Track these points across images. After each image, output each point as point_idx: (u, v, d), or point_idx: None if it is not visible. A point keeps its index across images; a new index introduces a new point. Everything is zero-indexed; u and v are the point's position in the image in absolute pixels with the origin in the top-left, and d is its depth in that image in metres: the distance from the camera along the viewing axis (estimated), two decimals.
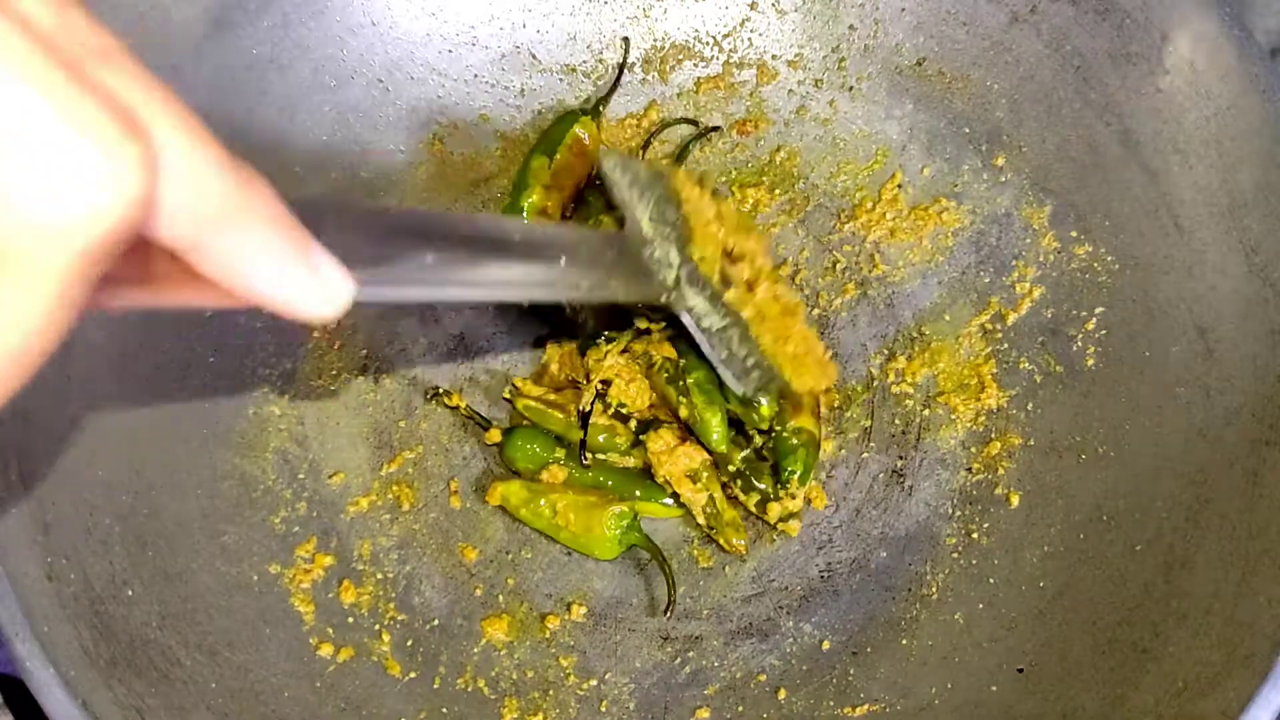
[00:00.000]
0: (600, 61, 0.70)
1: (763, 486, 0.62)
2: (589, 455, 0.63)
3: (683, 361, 0.62)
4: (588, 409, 0.62)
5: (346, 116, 0.65)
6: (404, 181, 0.68)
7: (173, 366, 0.59)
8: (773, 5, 0.69)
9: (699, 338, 0.56)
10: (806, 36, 0.70)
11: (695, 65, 0.70)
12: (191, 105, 0.59)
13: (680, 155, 0.69)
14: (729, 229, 0.60)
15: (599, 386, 0.62)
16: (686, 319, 0.55)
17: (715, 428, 0.61)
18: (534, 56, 0.69)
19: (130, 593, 0.52)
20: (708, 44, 0.70)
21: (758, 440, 0.63)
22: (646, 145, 0.69)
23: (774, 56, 0.70)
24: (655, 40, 0.70)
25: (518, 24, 0.68)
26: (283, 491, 0.62)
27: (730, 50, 0.70)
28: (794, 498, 0.62)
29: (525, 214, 0.65)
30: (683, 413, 0.62)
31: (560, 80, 0.70)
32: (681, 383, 0.61)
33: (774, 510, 0.62)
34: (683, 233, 0.56)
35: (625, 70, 0.69)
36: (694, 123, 0.70)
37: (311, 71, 0.64)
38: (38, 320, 0.24)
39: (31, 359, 0.25)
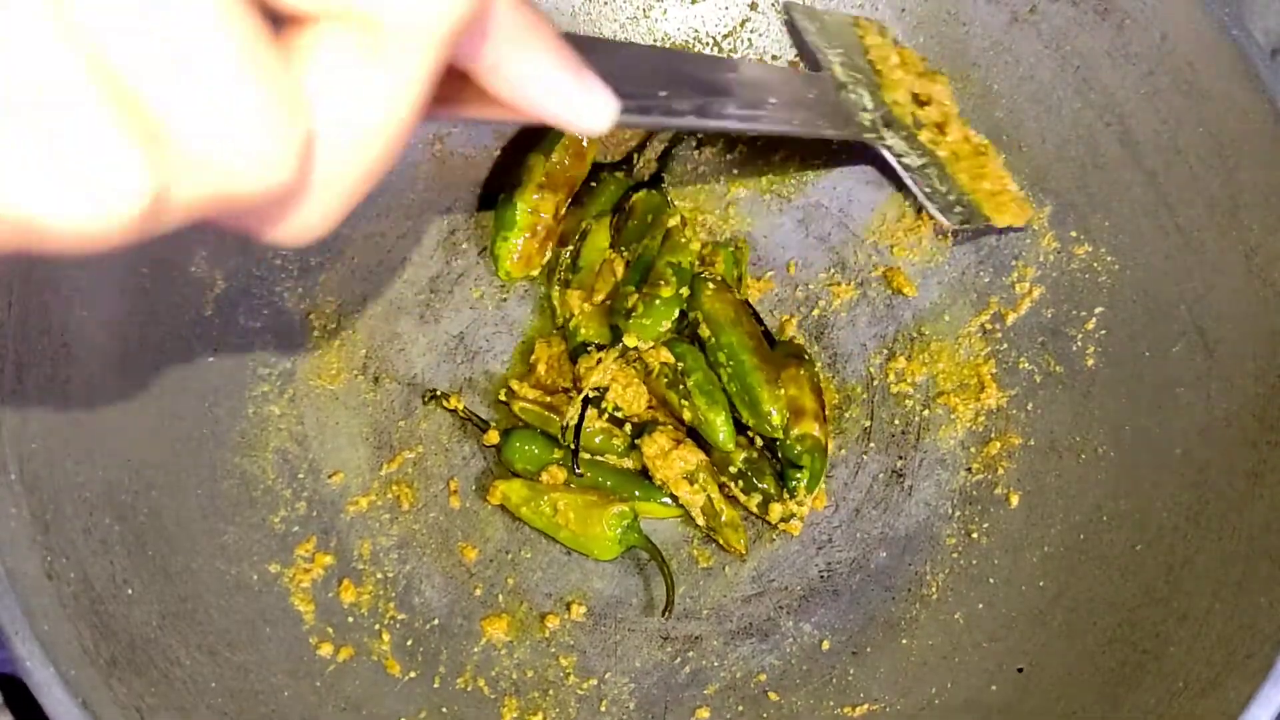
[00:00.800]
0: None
1: (764, 487, 0.62)
2: (582, 464, 0.63)
3: (680, 365, 0.62)
4: (575, 420, 0.62)
5: None
6: (404, 181, 0.68)
7: (173, 366, 0.59)
8: (773, 5, 0.69)
9: (904, 175, 0.56)
10: None
11: None
12: None
13: (663, 158, 0.69)
14: (914, 75, 0.61)
15: (591, 393, 0.62)
16: (890, 157, 0.56)
17: (721, 427, 0.61)
18: None
19: (130, 592, 0.52)
20: (708, 44, 0.70)
21: (759, 440, 0.63)
22: (643, 147, 0.69)
23: (774, 57, 0.70)
24: (655, 40, 0.70)
25: None
26: (283, 491, 0.62)
27: (731, 50, 0.70)
28: (801, 504, 0.62)
29: (519, 211, 0.65)
30: (686, 416, 0.62)
31: None
32: (682, 386, 0.61)
33: (776, 510, 0.62)
34: (873, 79, 0.57)
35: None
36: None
37: None
38: (412, 91, 0.27)
39: (403, 134, 0.28)
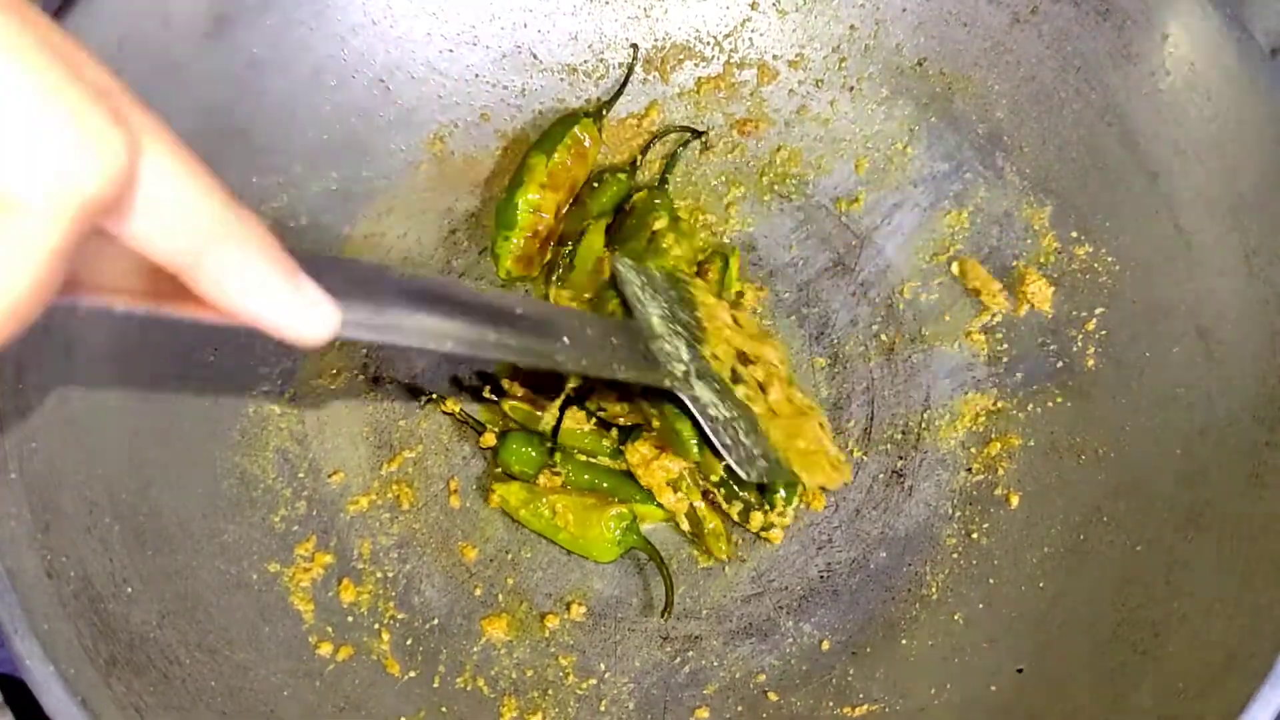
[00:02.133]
0: (601, 61, 0.70)
1: (745, 495, 0.62)
2: (577, 465, 0.63)
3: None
4: (554, 422, 0.62)
5: (347, 116, 0.65)
6: (404, 181, 0.68)
7: (173, 366, 0.59)
8: (773, 5, 0.69)
9: (704, 424, 0.57)
10: (807, 36, 0.70)
11: (696, 65, 0.70)
12: (192, 104, 0.59)
13: (669, 164, 0.69)
14: (744, 336, 0.62)
15: (569, 393, 0.62)
16: (691, 406, 0.57)
17: (687, 438, 0.61)
18: (535, 56, 0.69)
19: (130, 591, 0.52)
20: (709, 44, 0.70)
21: None
22: (646, 149, 0.69)
23: (775, 56, 0.70)
24: (656, 40, 0.70)
25: (519, 23, 0.68)
26: (282, 490, 0.62)
27: (731, 50, 0.70)
28: (783, 515, 0.62)
29: (519, 210, 0.65)
30: (655, 424, 0.62)
31: (561, 80, 0.70)
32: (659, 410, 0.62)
33: (756, 519, 0.62)
34: (696, 334, 0.59)
35: (630, 75, 0.69)
36: (697, 132, 0.70)
37: (311, 71, 0.64)
38: (35, 270, 0.27)
39: (26, 309, 0.28)
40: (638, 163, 0.69)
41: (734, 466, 0.57)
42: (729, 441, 0.57)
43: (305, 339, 0.33)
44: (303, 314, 0.33)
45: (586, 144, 0.67)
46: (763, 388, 0.61)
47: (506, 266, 0.66)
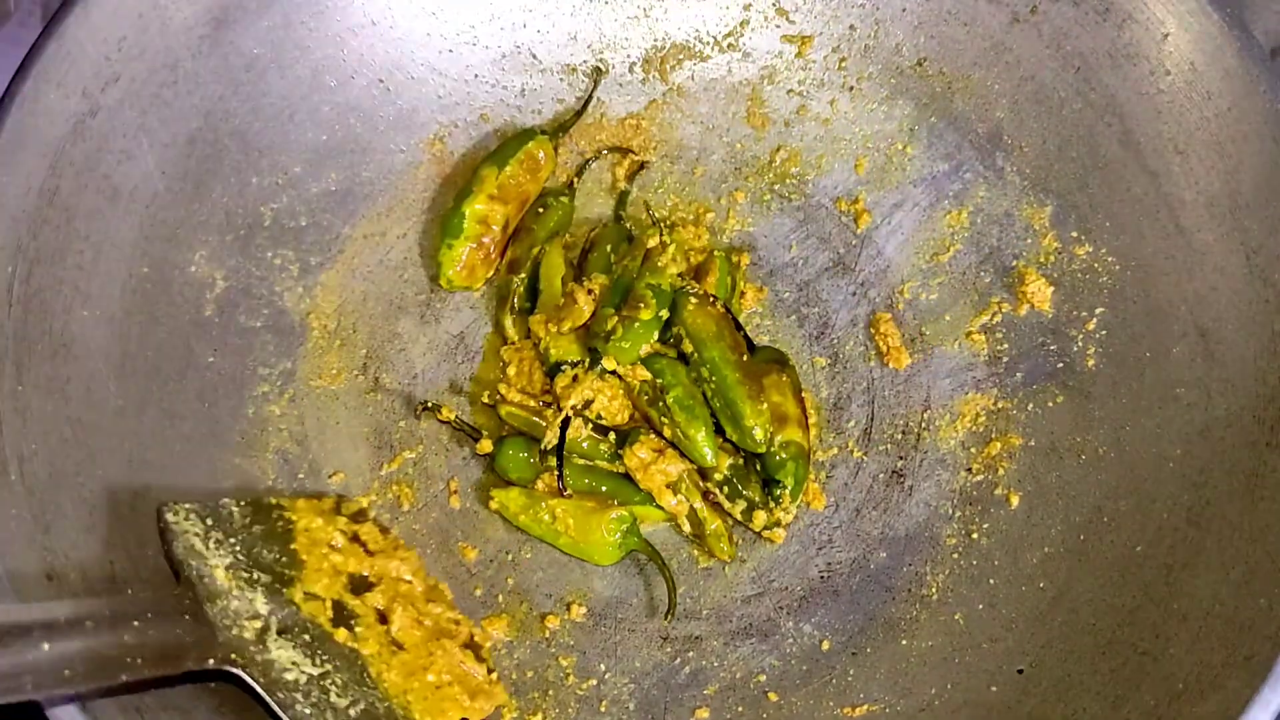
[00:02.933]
0: (601, 61, 0.70)
1: (748, 494, 0.62)
2: (574, 470, 0.63)
3: (659, 381, 0.62)
4: (556, 442, 0.62)
5: (346, 116, 0.65)
6: (404, 181, 0.68)
7: (173, 366, 0.59)
8: (773, 5, 0.69)
9: (269, 700, 0.48)
10: (807, 37, 0.70)
11: (695, 65, 0.70)
12: (192, 104, 0.59)
13: (620, 200, 0.69)
14: (359, 558, 0.56)
15: (570, 413, 0.62)
16: (250, 681, 0.48)
17: (702, 443, 0.60)
18: (534, 56, 0.69)
19: (130, 592, 0.52)
20: (708, 44, 0.70)
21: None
22: (581, 171, 0.69)
23: (775, 56, 0.70)
24: (655, 40, 0.70)
25: (518, 24, 0.68)
26: (283, 491, 0.62)
27: (730, 50, 0.70)
28: (786, 512, 0.62)
29: (466, 220, 0.64)
30: (666, 433, 0.61)
31: (561, 80, 0.70)
32: (661, 403, 0.61)
33: (759, 518, 0.62)
34: (284, 573, 0.52)
35: (592, 97, 0.69)
36: (627, 150, 0.69)
37: (311, 71, 0.64)
38: None
39: None
40: (574, 185, 0.69)
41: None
42: (309, 712, 0.48)
43: None
44: None
45: (540, 160, 0.66)
46: (384, 616, 0.55)
47: (448, 275, 0.65)
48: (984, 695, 0.57)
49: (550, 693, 0.60)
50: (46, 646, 0.41)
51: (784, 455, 0.62)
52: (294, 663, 0.50)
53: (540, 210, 0.67)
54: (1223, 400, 0.57)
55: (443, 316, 0.67)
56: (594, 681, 0.61)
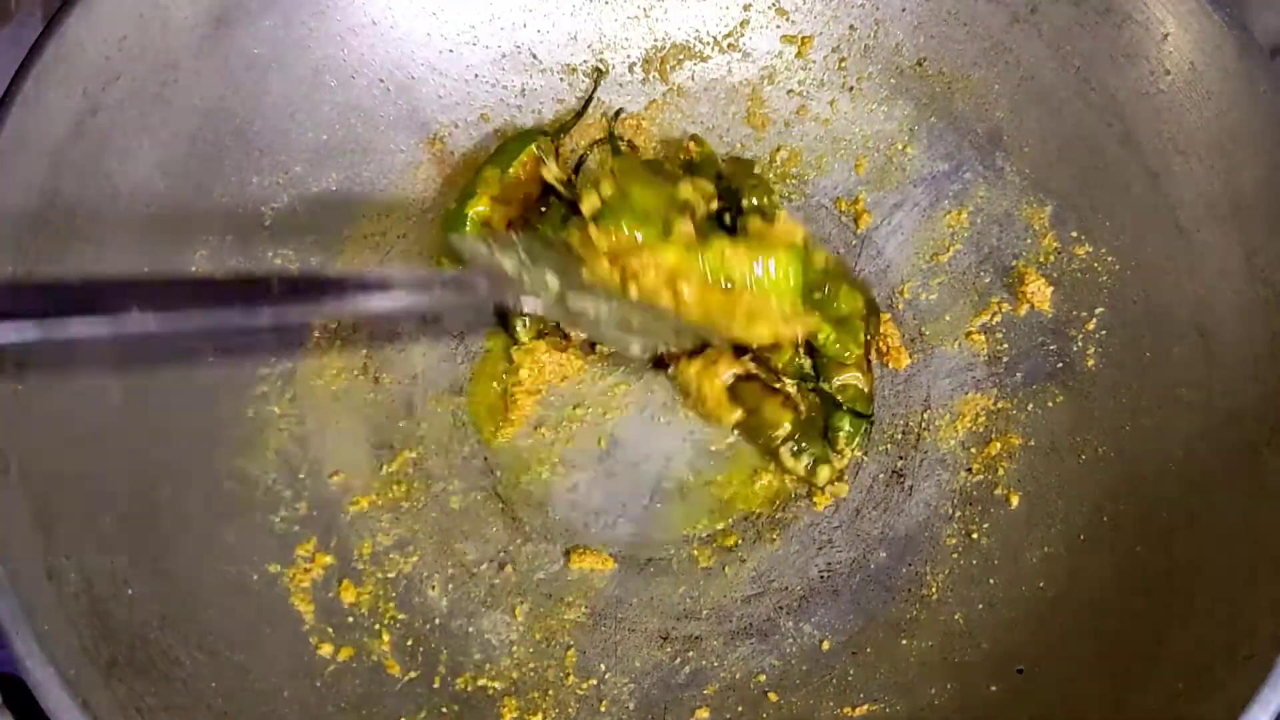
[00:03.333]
0: (601, 61, 0.70)
1: (811, 449, 0.63)
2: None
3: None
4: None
5: (347, 116, 0.65)
6: (404, 181, 0.68)
7: (173, 367, 0.59)
8: (772, 5, 0.69)
9: (581, 328, 0.57)
10: (807, 37, 0.70)
11: (695, 65, 0.70)
12: (192, 104, 0.59)
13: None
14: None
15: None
16: (560, 317, 0.57)
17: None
18: (534, 56, 0.69)
19: (130, 592, 0.52)
20: (708, 44, 0.70)
21: (806, 403, 0.64)
22: (579, 168, 0.69)
23: (775, 56, 0.70)
24: (655, 40, 0.70)
25: (518, 23, 0.68)
26: (283, 491, 0.62)
27: (730, 50, 0.70)
28: (842, 455, 0.64)
29: (469, 223, 0.64)
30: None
31: (561, 80, 0.70)
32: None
33: (823, 473, 0.63)
34: (568, 266, 0.57)
35: (592, 98, 0.69)
36: (612, 140, 0.70)
37: (312, 71, 0.64)
38: None
39: None
40: (573, 182, 0.69)
41: (632, 348, 0.58)
42: (620, 333, 0.57)
43: None
44: None
45: (541, 160, 0.67)
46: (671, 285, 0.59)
47: None
48: (984, 695, 0.57)
49: (550, 692, 0.60)
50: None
51: (841, 397, 0.64)
52: (594, 306, 0.57)
53: (542, 209, 0.67)
54: (1223, 400, 0.57)
55: (443, 316, 0.67)
56: (594, 681, 0.61)
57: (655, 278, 0.58)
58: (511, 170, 0.66)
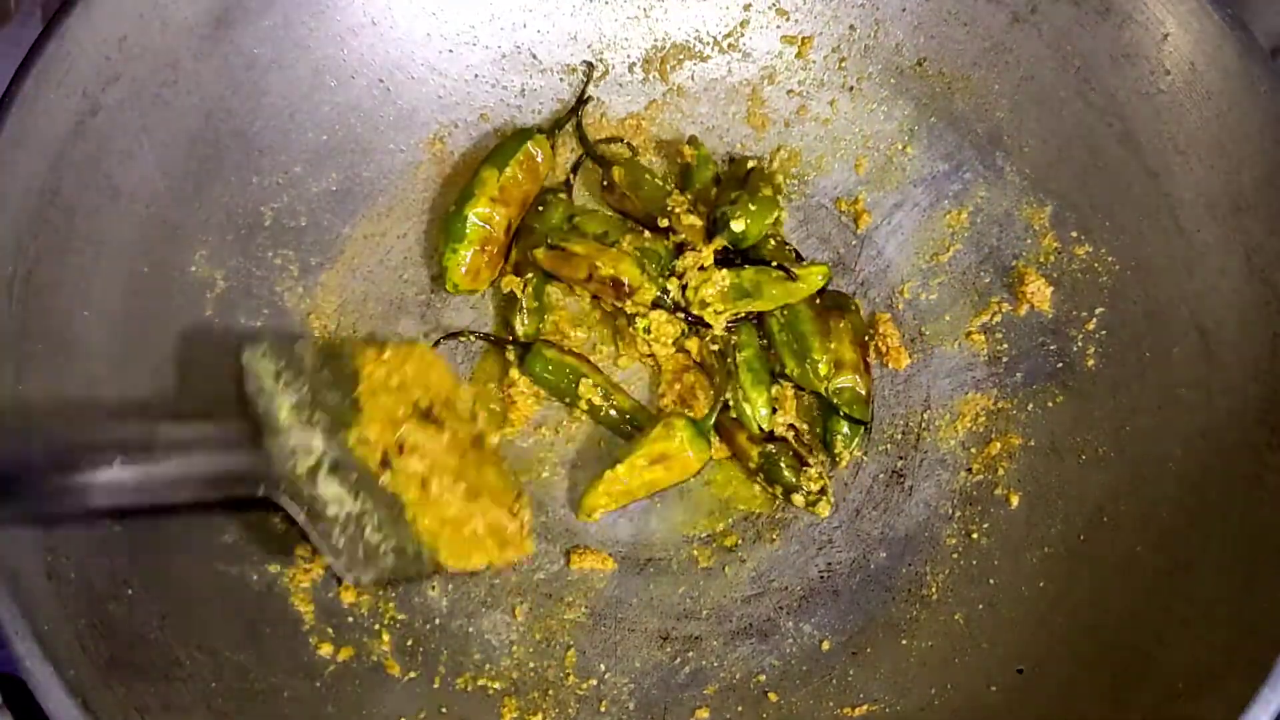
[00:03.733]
0: (601, 61, 0.70)
1: (786, 477, 0.63)
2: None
3: (735, 339, 0.64)
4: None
5: (347, 116, 0.65)
6: (404, 181, 0.68)
7: (173, 366, 0.59)
8: (772, 5, 0.69)
9: (309, 529, 0.53)
10: (807, 37, 0.70)
11: (695, 65, 0.70)
12: (192, 104, 0.59)
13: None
14: (415, 404, 0.58)
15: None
16: (291, 509, 0.53)
17: (761, 406, 0.63)
18: (534, 56, 0.69)
19: (130, 592, 0.52)
20: (708, 44, 0.70)
21: (795, 410, 0.65)
22: (576, 168, 0.69)
23: (778, 55, 0.70)
24: (655, 40, 0.70)
25: (518, 24, 0.68)
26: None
27: (730, 50, 0.70)
28: (840, 457, 0.64)
29: (469, 224, 0.64)
30: (728, 390, 0.63)
31: (560, 80, 0.70)
32: (731, 359, 0.63)
33: (797, 500, 0.64)
34: (344, 418, 0.54)
35: (585, 94, 0.69)
36: (623, 142, 0.70)
37: (312, 71, 0.64)
38: None
39: None
40: (571, 181, 0.69)
41: (337, 570, 0.54)
42: (342, 544, 0.53)
43: None
44: None
45: (539, 159, 0.66)
46: (424, 482, 0.56)
47: (454, 280, 0.65)
48: (984, 695, 0.57)
49: (550, 692, 0.60)
50: (117, 465, 0.47)
51: (838, 400, 0.64)
52: (339, 500, 0.54)
53: (540, 209, 0.67)
54: (1223, 400, 0.57)
55: (443, 316, 0.67)
56: (594, 681, 0.61)
57: (419, 463, 0.56)
58: (508, 171, 0.65)
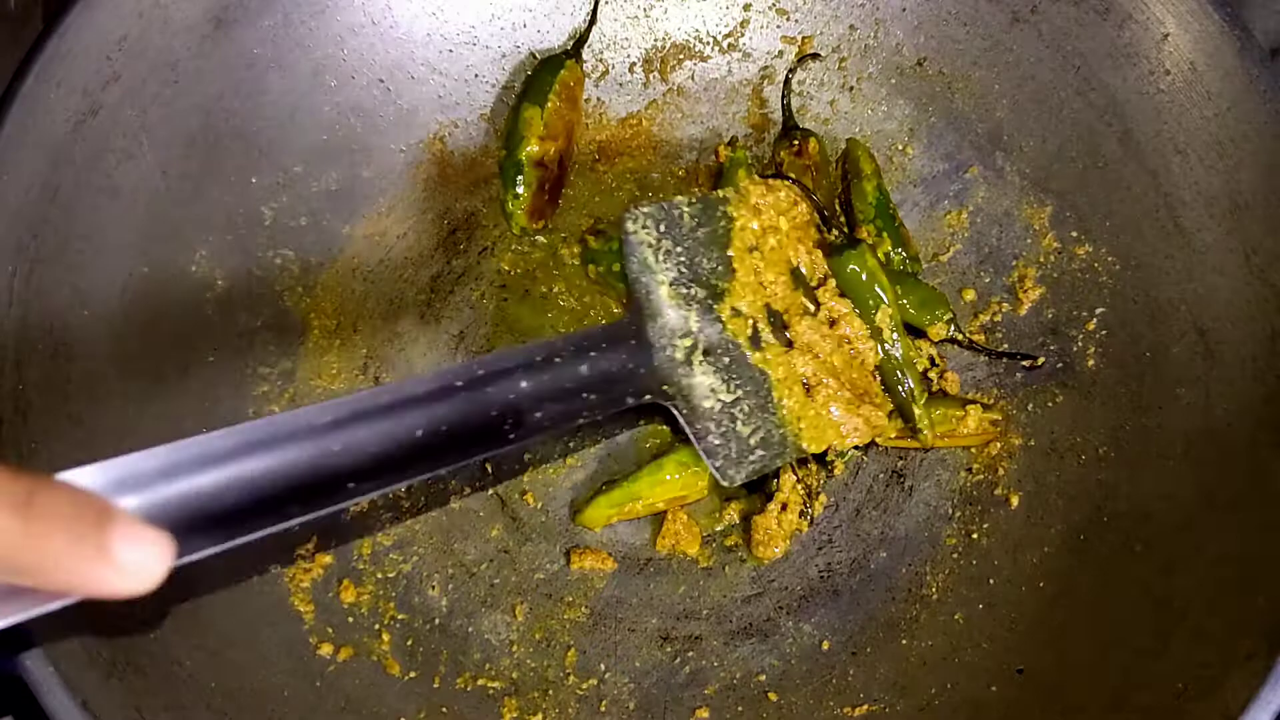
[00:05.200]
0: (601, 61, 0.70)
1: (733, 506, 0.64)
2: None
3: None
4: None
5: (347, 116, 0.65)
6: (404, 181, 0.68)
7: (173, 366, 0.59)
8: (773, 5, 0.69)
9: (687, 429, 0.53)
10: (807, 37, 0.70)
11: (695, 65, 0.70)
12: (192, 104, 0.59)
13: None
14: (802, 245, 0.58)
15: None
16: (677, 414, 0.53)
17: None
18: (534, 56, 0.69)
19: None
20: (708, 44, 0.70)
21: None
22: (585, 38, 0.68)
23: (778, 54, 0.70)
24: (656, 40, 0.70)
25: (518, 24, 0.68)
26: None
27: (730, 50, 0.70)
28: (832, 470, 0.64)
29: (524, 166, 0.66)
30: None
31: None
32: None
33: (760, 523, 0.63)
34: (717, 286, 0.55)
35: (598, 6, 0.68)
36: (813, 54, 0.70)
37: (311, 71, 0.64)
38: None
39: None
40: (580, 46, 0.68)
41: (715, 474, 0.54)
42: (718, 441, 0.53)
43: (128, 593, 0.33)
44: (116, 576, 0.32)
45: (574, 86, 0.67)
46: (805, 314, 0.57)
47: (521, 224, 0.67)
48: (984, 695, 0.57)
49: (550, 692, 0.60)
50: (524, 384, 0.46)
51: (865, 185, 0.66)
52: (712, 389, 0.53)
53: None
54: (1223, 400, 0.57)
55: (443, 316, 0.67)
56: (594, 681, 0.61)
57: (806, 334, 0.56)
58: (550, 105, 0.66)
